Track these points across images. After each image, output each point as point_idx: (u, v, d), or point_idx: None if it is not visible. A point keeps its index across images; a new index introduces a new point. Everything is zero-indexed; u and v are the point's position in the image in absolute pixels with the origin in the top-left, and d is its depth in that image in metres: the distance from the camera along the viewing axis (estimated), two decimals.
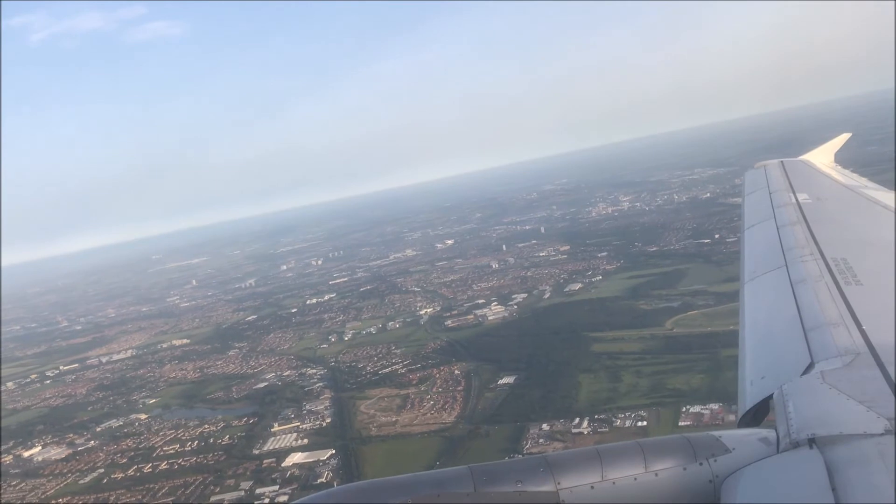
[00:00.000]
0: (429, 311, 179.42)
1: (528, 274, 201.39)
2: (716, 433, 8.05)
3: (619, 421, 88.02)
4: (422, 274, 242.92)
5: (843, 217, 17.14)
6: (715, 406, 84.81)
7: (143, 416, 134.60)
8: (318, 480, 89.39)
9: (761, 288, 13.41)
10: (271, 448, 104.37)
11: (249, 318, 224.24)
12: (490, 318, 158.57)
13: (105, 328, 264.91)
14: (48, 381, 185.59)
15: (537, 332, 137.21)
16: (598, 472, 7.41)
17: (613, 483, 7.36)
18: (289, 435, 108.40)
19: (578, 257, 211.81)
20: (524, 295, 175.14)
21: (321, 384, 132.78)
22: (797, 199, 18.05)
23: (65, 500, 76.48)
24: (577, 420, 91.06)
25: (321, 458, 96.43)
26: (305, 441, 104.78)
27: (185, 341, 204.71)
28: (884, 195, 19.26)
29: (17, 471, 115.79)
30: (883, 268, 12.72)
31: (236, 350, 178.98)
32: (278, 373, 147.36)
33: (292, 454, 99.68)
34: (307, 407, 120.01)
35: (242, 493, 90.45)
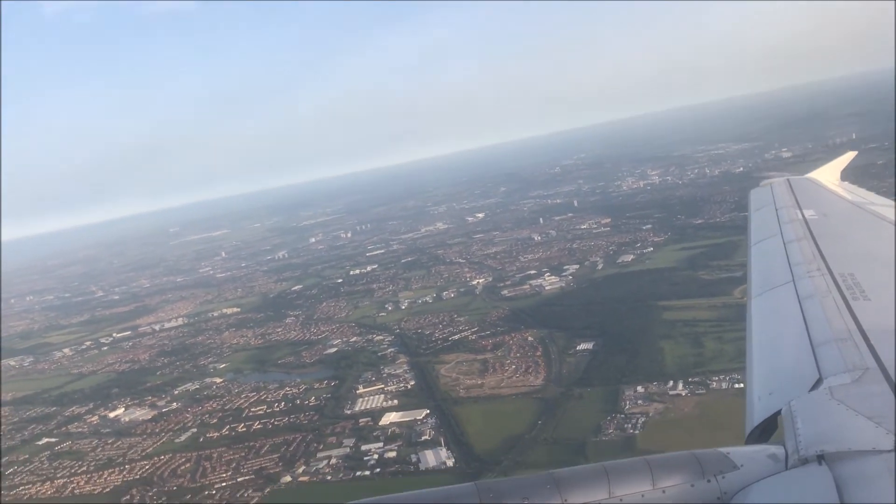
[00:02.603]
0: (481, 281, 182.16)
1: (575, 246, 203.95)
2: (723, 449, 8.02)
3: (714, 383, 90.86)
4: (461, 246, 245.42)
5: (850, 233, 17.02)
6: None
7: (218, 380, 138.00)
8: (422, 438, 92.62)
9: (769, 303, 13.35)
10: (362, 409, 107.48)
11: (295, 287, 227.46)
12: (547, 288, 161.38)
13: (144, 298, 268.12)
14: (105, 348, 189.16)
15: (602, 301, 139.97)
16: (605, 490, 7.39)
17: (620, 500, 7.35)
18: (376, 396, 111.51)
19: (622, 230, 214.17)
20: (576, 266, 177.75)
21: (393, 349, 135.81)
22: (804, 216, 18.01)
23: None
24: (671, 383, 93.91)
25: (417, 418, 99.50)
26: (395, 402, 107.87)
27: (235, 310, 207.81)
28: (890, 211, 19.36)
29: (108, 430, 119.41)
30: (890, 283, 12.64)
31: (292, 318, 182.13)
32: (344, 339, 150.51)
33: (387, 414, 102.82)
34: (386, 371, 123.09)
35: (347, 449, 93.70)
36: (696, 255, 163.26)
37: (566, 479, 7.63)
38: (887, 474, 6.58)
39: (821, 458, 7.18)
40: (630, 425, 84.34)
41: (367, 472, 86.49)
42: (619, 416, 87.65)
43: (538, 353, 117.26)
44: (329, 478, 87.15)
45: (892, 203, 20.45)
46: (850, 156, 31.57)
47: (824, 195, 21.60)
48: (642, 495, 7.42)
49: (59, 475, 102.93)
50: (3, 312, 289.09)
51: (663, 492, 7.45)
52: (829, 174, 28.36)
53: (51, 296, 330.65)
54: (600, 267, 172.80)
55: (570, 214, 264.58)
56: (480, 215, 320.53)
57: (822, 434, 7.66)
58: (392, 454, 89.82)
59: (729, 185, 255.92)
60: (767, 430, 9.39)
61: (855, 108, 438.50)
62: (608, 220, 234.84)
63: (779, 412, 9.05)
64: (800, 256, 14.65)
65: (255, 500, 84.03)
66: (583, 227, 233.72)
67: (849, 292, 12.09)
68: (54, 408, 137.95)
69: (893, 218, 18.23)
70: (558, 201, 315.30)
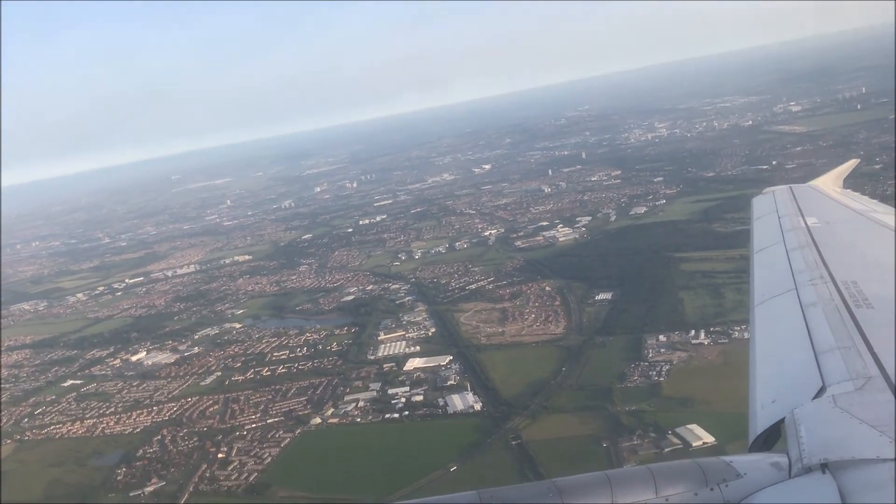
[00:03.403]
0: (493, 232, 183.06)
1: (586, 198, 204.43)
2: (727, 458, 8.01)
3: (736, 332, 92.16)
4: (470, 197, 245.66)
5: (853, 240, 16.99)
6: None
7: (237, 325, 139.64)
8: (448, 383, 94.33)
9: (772, 311, 13.32)
10: (385, 354, 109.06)
11: (305, 236, 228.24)
12: (561, 239, 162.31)
13: (153, 245, 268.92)
14: (119, 293, 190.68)
15: (618, 252, 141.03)
16: (608, 498, 7.37)
17: None
18: (397, 343, 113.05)
19: (633, 182, 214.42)
20: (588, 218, 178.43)
21: (410, 298, 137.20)
22: (806, 223, 17.86)
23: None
24: (692, 332, 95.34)
25: (441, 364, 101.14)
26: (417, 348, 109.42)
27: (247, 257, 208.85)
28: (893, 219, 19.17)
29: (131, 373, 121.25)
30: (893, 291, 12.60)
31: (306, 266, 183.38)
32: (360, 287, 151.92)
33: (411, 360, 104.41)
34: (405, 318, 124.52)
35: (374, 393, 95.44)
36: (710, 207, 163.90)
37: (568, 488, 7.45)
38: (891, 483, 6.54)
39: (824, 467, 7.14)
40: (654, 373, 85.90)
41: (396, 415, 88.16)
42: (642, 363, 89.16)
43: (557, 303, 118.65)
44: (359, 420, 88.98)
45: (895, 211, 20.40)
46: (852, 164, 30.93)
47: (827, 203, 21.83)
48: None
49: (87, 415, 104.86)
50: (9, 258, 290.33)
51: (666, 500, 7.41)
52: (831, 182, 28.02)
53: (56, 242, 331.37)
54: (613, 219, 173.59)
55: (578, 166, 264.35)
56: (487, 167, 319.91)
57: (826, 442, 7.62)
58: (419, 398, 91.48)
59: (738, 138, 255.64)
60: (771, 438, 9.36)
61: (862, 62, 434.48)
62: (618, 172, 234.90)
63: (782, 420, 8.97)
64: (802, 264, 14.54)
65: (286, 441, 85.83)
66: (592, 179, 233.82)
67: (851, 300, 12.01)
68: (75, 351, 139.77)
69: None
70: (565, 153, 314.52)
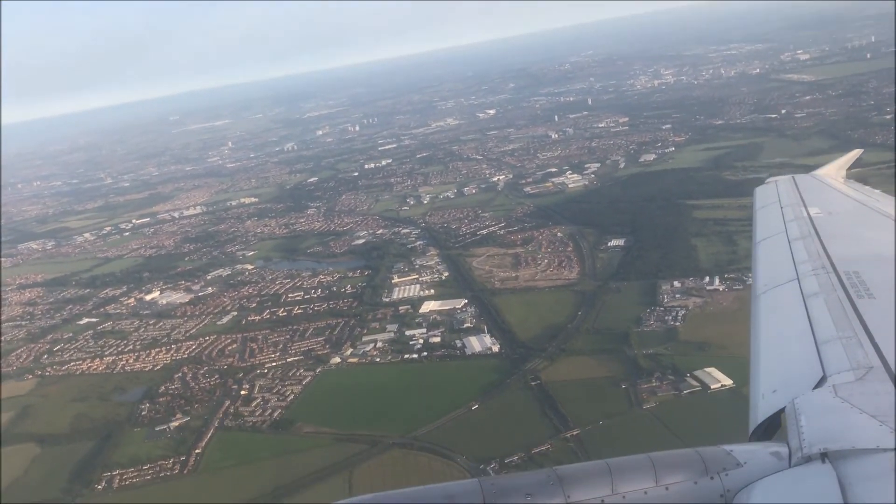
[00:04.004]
0: (501, 178, 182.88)
1: (594, 144, 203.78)
2: (727, 447, 8.05)
3: (750, 279, 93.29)
4: (475, 143, 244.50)
5: (856, 231, 16.96)
6: None
7: (249, 267, 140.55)
8: (465, 325, 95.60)
9: (773, 301, 13.33)
10: (400, 297, 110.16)
11: (310, 179, 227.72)
12: (570, 185, 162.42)
13: (157, 186, 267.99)
14: (127, 234, 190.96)
15: (629, 199, 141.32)
16: (608, 486, 7.39)
17: (624, 497, 7.36)
18: (411, 286, 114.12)
19: (641, 129, 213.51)
20: (597, 165, 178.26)
21: (421, 242, 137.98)
22: (809, 214, 17.90)
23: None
24: (707, 278, 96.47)
25: (457, 307, 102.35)
26: (431, 292, 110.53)
27: (253, 200, 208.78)
28: (895, 209, 19.25)
29: (147, 312, 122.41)
30: (895, 281, 12.63)
31: (314, 209, 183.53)
32: (370, 231, 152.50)
33: (426, 302, 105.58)
34: (418, 262, 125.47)
35: (392, 334, 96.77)
36: (720, 155, 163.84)
37: (569, 476, 7.51)
38: (890, 473, 6.58)
39: (824, 456, 7.16)
40: (670, 317, 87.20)
41: (415, 356, 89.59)
42: (658, 308, 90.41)
43: (569, 249, 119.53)
44: (378, 360, 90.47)
45: None
46: (855, 154, 30.58)
47: (829, 193, 21.81)
48: (645, 492, 7.42)
49: (106, 353, 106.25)
50: (11, 198, 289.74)
51: (666, 489, 7.44)
52: (834, 171, 27.87)
53: (58, 182, 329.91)
54: (622, 166, 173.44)
55: (584, 113, 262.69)
56: (491, 112, 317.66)
57: (826, 432, 7.64)
58: (436, 339, 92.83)
59: (746, 86, 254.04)
60: (771, 427, 9.36)
61: (871, 10, 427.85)
62: (625, 119, 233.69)
63: (783, 410, 8.98)
64: (804, 254, 14.54)
65: (307, 380, 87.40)
66: (600, 125, 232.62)
67: (853, 290, 12.01)
68: (88, 290, 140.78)
69: None
70: (571, 99, 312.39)
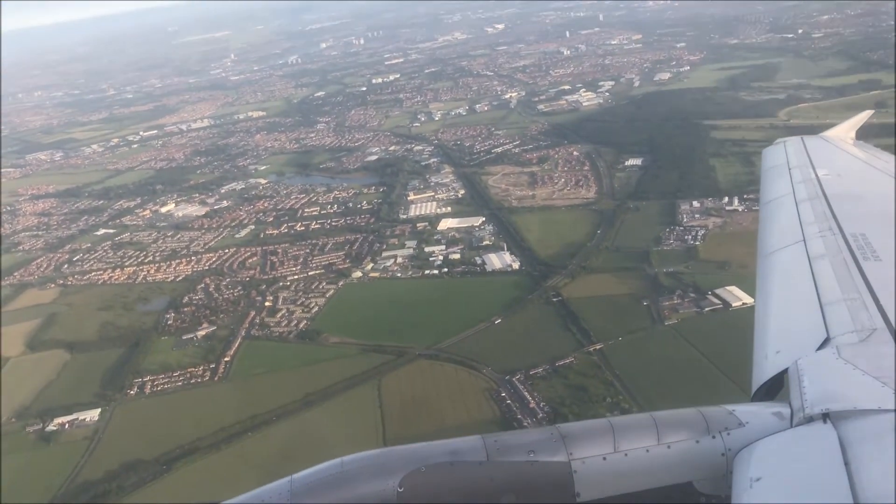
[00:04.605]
0: (513, 95, 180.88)
1: (607, 62, 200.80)
2: (729, 407, 8.08)
3: None
4: (485, 58, 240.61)
5: (863, 193, 16.91)
6: None
7: (262, 181, 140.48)
8: (484, 243, 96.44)
9: (779, 262, 13.40)
10: (417, 214, 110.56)
11: (317, 94, 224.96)
12: (585, 104, 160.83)
13: (161, 98, 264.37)
14: (135, 146, 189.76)
15: (644, 118, 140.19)
16: (610, 444, 7.47)
17: (625, 455, 7.44)
18: (427, 203, 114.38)
19: (654, 47, 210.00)
20: (611, 83, 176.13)
21: (435, 160, 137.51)
22: (817, 175, 17.83)
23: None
24: (726, 199, 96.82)
25: (474, 224, 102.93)
26: (448, 209, 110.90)
27: (261, 113, 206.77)
28: None
29: (163, 224, 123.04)
30: None
31: (323, 124, 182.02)
32: (382, 147, 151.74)
33: (444, 220, 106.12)
34: (433, 180, 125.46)
35: (411, 250, 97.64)
36: (736, 75, 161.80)
37: (572, 434, 7.59)
38: (891, 433, 6.65)
39: (826, 417, 7.20)
40: (690, 237, 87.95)
41: (436, 272, 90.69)
42: (677, 228, 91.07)
43: (586, 168, 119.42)
44: (399, 275, 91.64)
45: None
46: (866, 114, 29.86)
47: (838, 155, 21.40)
48: (647, 450, 7.48)
49: (126, 263, 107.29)
50: (12, 107, 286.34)
51: (668, 447, 7.51)
52: (843, 133, 27.67)
53: (59, 92, 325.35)
54: (637, 84, 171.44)
55: (596, 29, 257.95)
56: (500, 26, 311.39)
57: (828, 393, 7.71)
58: (456, 256, 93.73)
59: (762, 4, 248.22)
60: (774, 388, 9.37)
61: None
62: (638, 36, 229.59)
63: (785, 371, 8.99)
64: (811, 216, 14.42)
65: (330, 292, 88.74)
66: (612, 42, 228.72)
67: (859, 252, 12.02)
68: (101, 201, 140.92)
69: None
70: (581, 14, 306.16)
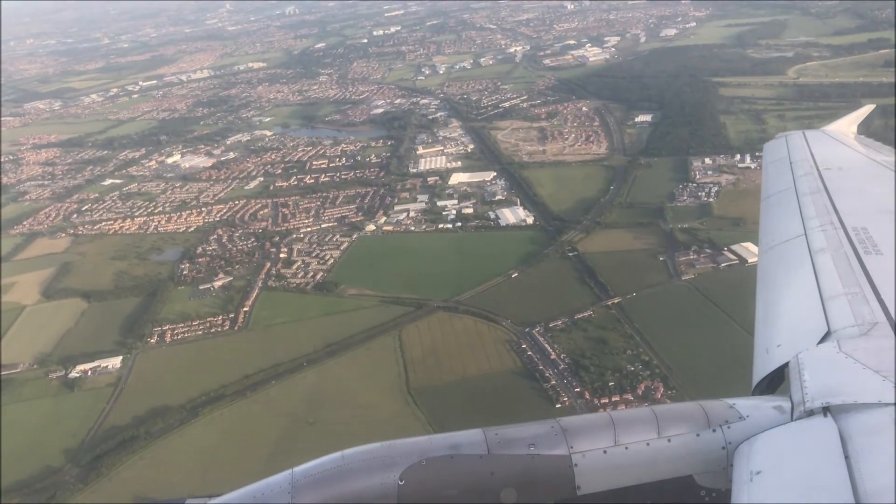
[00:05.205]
0: (518, 49, 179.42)
1: (612, 17, 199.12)
2: (729, 400, 8.04)
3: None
4: (488, 11, 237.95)
5: (865, 187, 16.64)
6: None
7: (268, 133, 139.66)
8: (496, 197, 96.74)
9: (780, 256, 13.32)
10: (427, 168, 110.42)
11: (318, 45, 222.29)
12: (591, 59, 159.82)
13: (157, 48, 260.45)
14: (135, 96, 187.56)
15: (652, 74, 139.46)
16: (610, 437, 7.48)
17: (626, 448, 7.44)
18: (437, 158, 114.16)
19: (660, 2, 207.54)
20: (617, 38, 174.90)
21: (442, 114, 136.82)
22: (818, 169, 17.48)
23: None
24: (738, 156, 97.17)
25: (486, 179, 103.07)
26: (458, 164, 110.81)
27: (261, 64, 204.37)
28: None
29: (171, 174, 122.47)
30: None
31: (326, 77, 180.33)
32: (388, 101, 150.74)
33: (455, 174, 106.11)
34: (441, 134, 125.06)
35: (423, 204, 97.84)
36: (743, 32, 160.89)
37: (572, 427, 7.57)
38: (891, 427, 6.64)
39: (826, 411, 7.19)
40: (703, 193, 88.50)
41: (449, 226, 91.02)
42: (690, 184, 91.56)
43: (596, 124, 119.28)
44: (412, 228, 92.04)
45: None
46: (867, 109, 29.67)
47: (840, 148, 20.63)
48: (648, 444, 7.48)
49: (136, 214, 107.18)
50: (5, 55, 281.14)
51: (669, 440, 7.51)
52: (845, 127, 27.64)
53: (52, 40, 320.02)
54: (643, 40, 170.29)
55: None
56: None
57: (829, 387, 7.69)
58: (469, 210, 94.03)
59: None
60: (774, 382, 9.33)
61: None
62: None
63: (786, 364, 8.97)
64: (813, 210, 14.20)
65: (344, 245, 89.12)
66: None
67: (861, 246, 11.92)
68: (105, 151, 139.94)
69: None
70: None
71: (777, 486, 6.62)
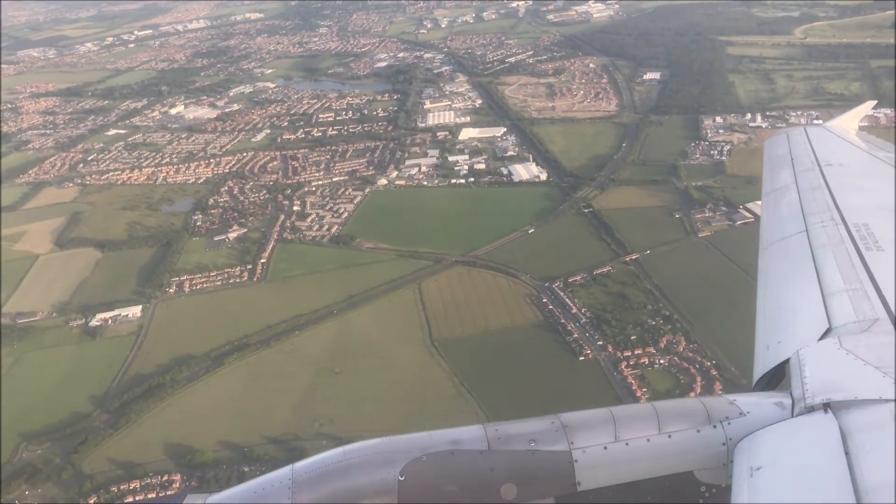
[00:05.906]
0: (521, 3, 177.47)
1: None
2: (730, 396, 8.06)
3: (793, 118, 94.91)
4: None
5: (866, 183, 16.37)
6: (889, 111, 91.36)
7: (271, 85, 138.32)
8: (508, 153, 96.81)
9: (781, 252, 13.20)
10: (435, 123, 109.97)
11: None
12: (595, 15, 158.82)
13: None
14: (132, 45, 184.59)
15: (659, 32, 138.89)
16: (611, 433, 7.48)
17: (626, 444, 7.44)
18: (445, 112, 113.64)
19: None
20: None
21: (447, 68, 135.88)
22: (820, 165, 17.23)
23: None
24: (748, 115, 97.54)
25: (496, 135, 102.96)
26: (467, 119, 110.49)
27: (258, 15, 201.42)
28: None
29: (176, 125, 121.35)
30: None
31: (325, 28, 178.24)
32: (391, 54, 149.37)
33: (465, 129, 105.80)
34: (447, 88, 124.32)
35: (434, 159, 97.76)
36: None
37: (573, 423, 7.55)
38: (891, 423, 6.65)
39: (827, 407, 7.16)
40: (716, 152, 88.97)
41: (462, 181, 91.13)
42: (702, 143, 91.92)
43: (604, 81, 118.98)
44: (425, 183, 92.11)
45: None
46: (868, 105, 29.64)
47: (841, 145, 19.91)
48: (648, 439, 7.45)
49: (144, 164, 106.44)
50: None
51: (669, 436, 7.49)
52: (846, 123, 27.64)
53: None
54: None
55: None
56: None
57: (829, 383, 7.66)
58: (481, 166, 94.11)
59: None
60: (775, 378, 9.29)
61: None
62: None
63: (787, 361, 8.92)
64: (814, 206, 14.05)
65: (357, 199, 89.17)
66: None
67: (862, 243, 11.87)
68: (106, 101, 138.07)
69: None
70: None
71: (777, 483, 6.66)
